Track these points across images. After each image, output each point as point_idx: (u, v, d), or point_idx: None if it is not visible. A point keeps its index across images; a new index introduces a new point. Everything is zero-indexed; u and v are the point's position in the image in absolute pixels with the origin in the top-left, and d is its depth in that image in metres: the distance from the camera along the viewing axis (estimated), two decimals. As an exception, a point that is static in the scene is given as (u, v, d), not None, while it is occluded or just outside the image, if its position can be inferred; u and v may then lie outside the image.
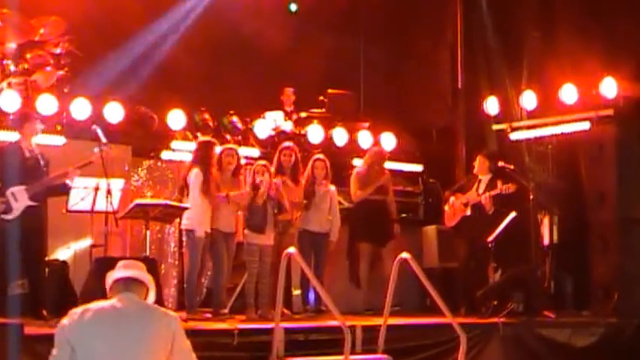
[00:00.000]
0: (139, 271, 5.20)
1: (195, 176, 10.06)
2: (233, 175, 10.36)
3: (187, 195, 10.10)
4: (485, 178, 11.51)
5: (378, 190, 11.53)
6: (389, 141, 12.96)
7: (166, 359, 5.05)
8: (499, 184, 11.24)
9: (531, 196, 11.50)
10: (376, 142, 12.69)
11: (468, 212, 11.44)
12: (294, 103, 13.08)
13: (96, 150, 9.35)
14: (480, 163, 11.62)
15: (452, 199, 11.60)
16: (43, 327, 8.21)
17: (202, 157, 10.18)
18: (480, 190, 11.40)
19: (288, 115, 12.86)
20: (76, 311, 5.03)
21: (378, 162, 11.70)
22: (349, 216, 11.67)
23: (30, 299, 8.86)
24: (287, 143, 11.15)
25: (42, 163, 9.27)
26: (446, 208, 11.71)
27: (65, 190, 9.41)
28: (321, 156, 11.26)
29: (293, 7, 14.71)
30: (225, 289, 10.26)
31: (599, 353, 10.42)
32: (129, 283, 5.14)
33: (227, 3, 13.33)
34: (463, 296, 11.25)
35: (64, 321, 5.03)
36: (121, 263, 5.28)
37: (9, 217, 8.97)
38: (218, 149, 10.40)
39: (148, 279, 5.20)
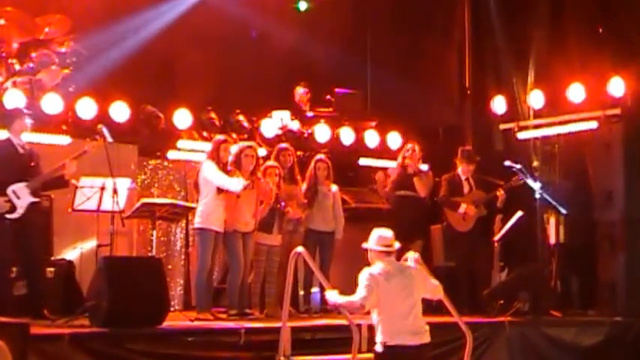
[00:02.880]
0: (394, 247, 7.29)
1: (209, 165, 9.79)
2: (251, 174, 10.09)
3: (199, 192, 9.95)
4: (469, 177, 11.60)
5: (411, 187, 11.58)
6: (395, 140, 12.95)
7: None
8: (503, 184, 11.31)
9: (537, 196, 11.48)
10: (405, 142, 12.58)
11: (484, 212, 11.48)
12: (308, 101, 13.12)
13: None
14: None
15: (463, 206, 11.47)
16: (50, 327, 8.22)
17: (216, 155, 9.97)
18: (470, 189, 11.52)
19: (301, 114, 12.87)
20: (373, 272, 7.06)
21: (411, 160, 11.67)
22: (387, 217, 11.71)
23: (33, 299, 8.86)
24: (283, 145, 11.05)
25: (35, 158, 9.26)
26: (456, 213, 11.67)
27: (62, 183, 9.31)
28: (322, 156, 11.18)
29: (303, 5, 14.68)
30: (239, 288, 10.10)
31: (604, 352, 10.40)
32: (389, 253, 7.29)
33: (234, 1, 13.31)
34: (467, 295, 11.23)
35: (373, 272, 7.08)
36: (379, 237, 7.25)
37: (13, 215, 8.92)
38: (235, 147, 10.32)
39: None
